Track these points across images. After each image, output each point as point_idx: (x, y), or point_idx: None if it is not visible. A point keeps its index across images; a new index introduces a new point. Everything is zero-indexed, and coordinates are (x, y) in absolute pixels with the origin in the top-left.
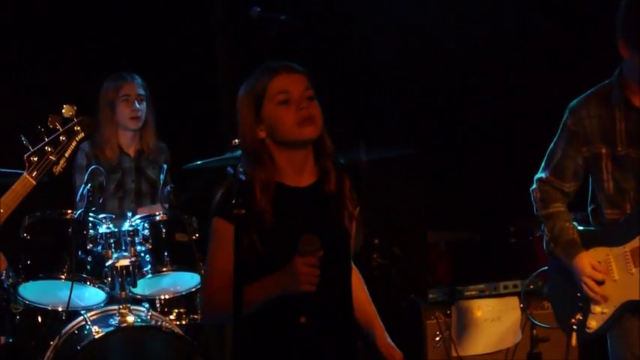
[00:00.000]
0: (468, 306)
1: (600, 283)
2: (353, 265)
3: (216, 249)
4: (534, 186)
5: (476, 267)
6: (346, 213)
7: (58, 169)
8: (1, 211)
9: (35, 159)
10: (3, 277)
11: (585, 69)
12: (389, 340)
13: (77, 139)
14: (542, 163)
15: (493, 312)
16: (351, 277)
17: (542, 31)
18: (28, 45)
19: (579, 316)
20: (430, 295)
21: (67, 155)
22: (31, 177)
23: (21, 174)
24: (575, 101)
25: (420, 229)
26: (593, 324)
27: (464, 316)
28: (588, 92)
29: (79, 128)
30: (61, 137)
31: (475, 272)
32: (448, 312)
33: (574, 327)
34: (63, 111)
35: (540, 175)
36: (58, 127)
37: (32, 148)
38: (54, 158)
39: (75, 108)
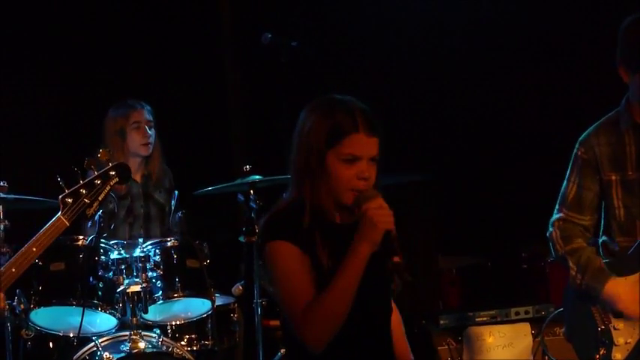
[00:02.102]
0: (480, 332)
1: None
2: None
3: (287, 270)
4: (551, 229)
5: (487, 293)
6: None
7: (90, 211)
8: (34, 249)
9: (70, 200)
10: (15, 303)
11: (601, 96)
12: None
13: (112, 183)
14: (557, 205)
15: (504, 338)
16: (391, 315)
17: (559, 61)
18: (44, 73)
19: (603, 351)
20: (441, 321)
21: (100, 199)
22: (65, 218)
23: (38, 200)
24: (584, 133)
25: (431, 254)
26: (618, 356)
27: (475, 342)
28: (597, 124)
29: (114, 173)
30: (96, 181)
31: (486, 298)
32: (459, 338)
33: None
34: (99, 155)
35: (557, 215)
36: (94, 170)
37: (67, 190)
38: (88, 201)
39: (111, 152)
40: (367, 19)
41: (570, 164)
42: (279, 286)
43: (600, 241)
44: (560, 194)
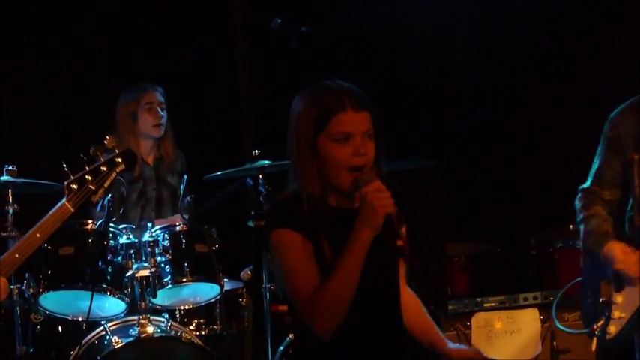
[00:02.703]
0: (488, 318)
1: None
2: (406, 286)
3: (292, 258)
4: (578, 195)
5: (496, 279)
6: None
7: (96, 198)
8: (38, 235)
9: (75, 187)
10: (24, 287)
11: (606, 85)
12: (452, 344)
13: (118, 170)
14: (588, 174)
15: (513, 324)
16: (401, 299)
17: (567, 48)
18: (58, 61)
19: (601, 322)
20: (450, 307)
21: (105, 186)
22: (70, 204)
23: (47, 184)
24: (615, 110)
25: (440, 240)
26: (612, 329)
27: (483, 328)
28: (627, 102)
29: (120, 160)
30: (102, 167)
31: (495, 284)
32: (468, 323)
33: (596, 332)
34: (105, 142)
35: (584, 185)
36: (100, 157)
37: (73, 176)
38: (93, 188)
39: (117, 140)
40: (376, 3)
41: (600, 139)
42: (284, 274)
43: (627, 216)
44: (591, 165)
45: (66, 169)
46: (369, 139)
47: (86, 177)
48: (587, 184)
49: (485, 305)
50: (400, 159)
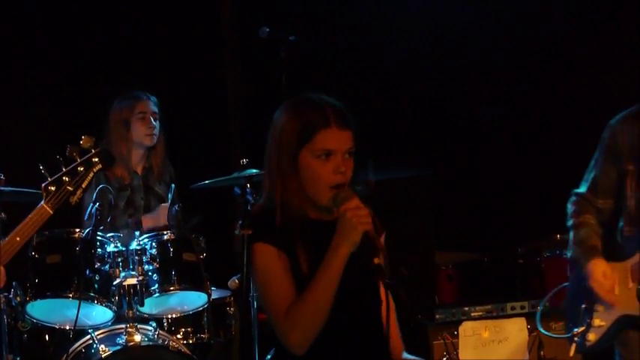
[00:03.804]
0: (475, 327)
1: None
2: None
3: (268, 273)
4: (572, 199)
5: (483, 288)
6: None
7: (74, 199)
8: (18, 239)
9: (53, 188)
10: (11, 296)
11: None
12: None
13: (95, 170)
14: (583, 178)
15: (500, 333)
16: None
17: (559, 58)
18: (45, 68)
19: (582, 329)
20: (437, 316)
21: (83, 186)
22: (48, 206)
23: (35, 192)
24: (615, 118)
25: (428, 249)
26: (591, 337)
27: (471, 337)
28: (628, 110)
29: (97, 159)
30: (78, 168)
31: (482, 293)
32: (455, 332)
33: (575, 339)
34: (81, 142)
35: (578, 190)
36: (77, 157)
37: (50, 178)
38: (71, 188)
39: (93, 139)
40: (366, 12)
41: (599, 146)
42: (260, 288)
43: (619, 226)
44: (587, 170)
45: (43, 171)
46: (350, 157)
47: (63, 178)
48: (582, 189)
49: (472, 314)
50: (389, 168)
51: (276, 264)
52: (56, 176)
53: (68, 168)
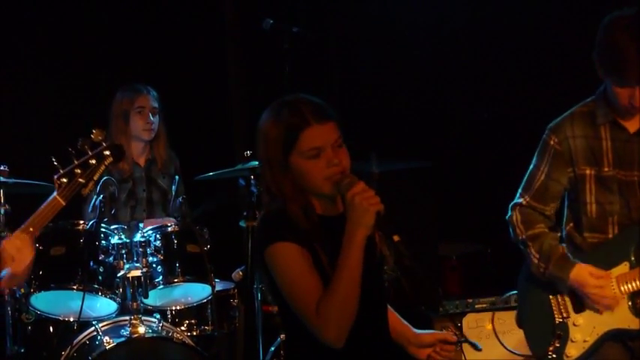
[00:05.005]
0: (479, 318)
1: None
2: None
3: (294, 271)
4: (510, 212)
5: (487, 279)
6: (378, 237)
7: (86, 191)
8: (31, 229)
9: (65, 180)
10: (15, 288)
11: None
12: (419, 330)
13: (106, 163)
14: (520, 189)
15: (504, 324)
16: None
17: (559, 48)
18: (46, 64)
19: (557, 344)
20: (441, 308)
21: (95, 178)
22: (61, 198)
23: (39, 184)
24: (556, 121)
25: (432, 241)
26: (572, 352)
27: (475, 329)
28: (570, 111)
29: (108, 153)
30: (90, 160)
31: (486, 285)
32: (459, 324)
33: (551, 355)
34: (92, 135)
35: (519, 200)
36: (88, 150)
37: (62, 170)
38: (83, 181)
39: (104, 132)
40: (368, 3)
41: (539, 150)
42: (287, 289)
43: (565, 231)
44: (526, 178)
45: (55, 163)
46: (340, 147)
47: (75, 170)
48: (524, 199)
49: (476, 306)
50: (392, 160)
51: (300, 260)
52: (68, 168)
53: (80, 160)
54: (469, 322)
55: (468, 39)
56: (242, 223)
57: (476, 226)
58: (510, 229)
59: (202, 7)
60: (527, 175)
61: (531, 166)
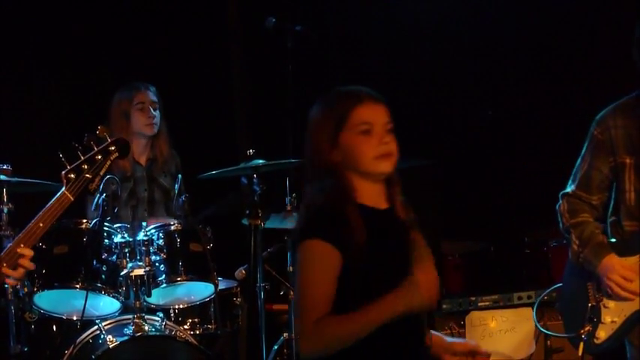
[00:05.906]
0: (482, 317)
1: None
2: None
3: (319, 274)
4: (560, 201)
5: (490, 278)
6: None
7: (93, 186)
8: (41, 225)
9: (72, 176)
10: (18, 286)
11: (601, 84)
12: (451, 339)
13: (112, 158)
14: (570, 179)
15: (507, 323)
16: None
17: (561, 46)
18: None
19: (589, 328)
20: (444, 306)
21: (101, 174)
22: (69, 193)
23: (42, 183)
24: (601, 113)
25: (434, 239)
26: (601, 334)
27: (478, 327)
28: (614, 104)
29: (113, 148)
30: (96, 156)
31: (489, 283)
32: (462, 322)
33: (583, 337)
34: (97, 131)
35: (567, 190)
36: (94, 146)
37: (69, 166)
38: (90, 176)
39: (110, 129)
40: (371, 1)
41: (586, 142)
42: (302, 285)
43: (609, 220)
44: (574, 169)
45: (62, 159)
46: (390, 133)
47: (82, 166)
48: (571, 189)
49: (479, 304)
50: None
51: (328, 266)
52: (75, 164)
53: (86, 156)
54: (472, 320)
55: (471, 37)
56: (245, 222)
57: (479, 225)
58: (558, 218)
59: (205, 6)
60: (575, 166)
61: (579, 158)
